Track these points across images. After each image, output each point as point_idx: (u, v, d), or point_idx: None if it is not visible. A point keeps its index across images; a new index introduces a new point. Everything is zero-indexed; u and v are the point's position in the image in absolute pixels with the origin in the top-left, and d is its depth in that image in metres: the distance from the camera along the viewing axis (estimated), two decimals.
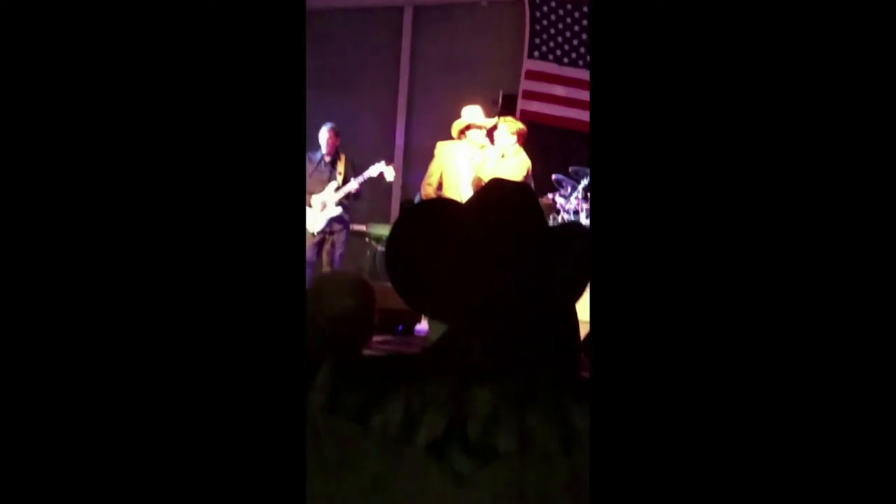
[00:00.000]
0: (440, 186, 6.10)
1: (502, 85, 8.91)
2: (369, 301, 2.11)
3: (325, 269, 6.95)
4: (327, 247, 7.07)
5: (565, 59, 8.86)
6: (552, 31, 8.90)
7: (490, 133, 6.10)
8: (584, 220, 6.97)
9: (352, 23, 9.75)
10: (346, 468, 1.15)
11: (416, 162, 8.54)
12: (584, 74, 8.54)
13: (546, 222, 1.28)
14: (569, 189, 7.41)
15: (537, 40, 8.93)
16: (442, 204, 1.27)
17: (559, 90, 8.80)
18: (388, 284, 1.24)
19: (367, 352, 2.23)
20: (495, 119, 6.23)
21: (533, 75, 8.93)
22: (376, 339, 2.31)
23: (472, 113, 6.13)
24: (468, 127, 6.07)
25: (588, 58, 8.25)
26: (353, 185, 6.93)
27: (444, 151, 6.17)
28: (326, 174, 7.03)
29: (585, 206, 7.18)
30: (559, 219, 7.28)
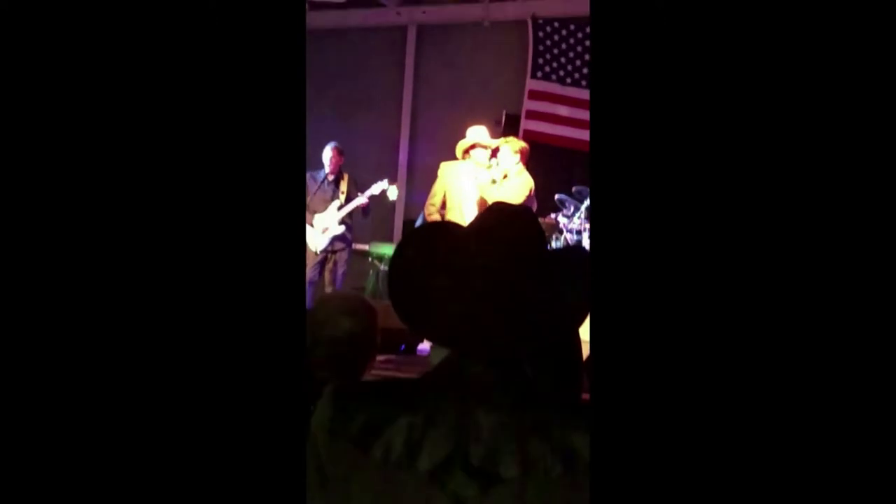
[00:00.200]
0: (443, 206, 6.10)
1: (505, 105, 8.93)
2: (372, 323, 2.10)
3: (328, 288, 6.95)
4: (329, 266, 7.07)
5: (568, 80, 8.88)
6: (555, 51, 8.92)
7: (493, 154, 6.10)
8: (587, 240, 6.96)
9: (355, 42, 9.78)
10: (347, 493, 1.15)
11: (419, 181, 8.55)
12: (587, 94, 8.55)
13: (547, 247, 1.28)
14: (571, 209, 7.41)
15: (540, 60, 8.95)
16: (444, 228, 1.27)
17: (562, 110, 8.81)
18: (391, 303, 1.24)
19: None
20: (499, 140, 6.23)
21: (536, 95, 8.94)
22: (378, 358, 2.30)
23: (477, 133, 6.14)
24: (473, 146, 6.08)
25: None
26: (362, 199, 6.95)
27: (447, 172, 6.17)
28: (330, 193, 7.04)
29: (588, 225, 7.17)
30: (562, 238, 7.28)
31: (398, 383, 1.22)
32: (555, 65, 8.92)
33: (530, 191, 6.01)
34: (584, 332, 1.24)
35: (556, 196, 7.52)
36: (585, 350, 1.68)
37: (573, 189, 7.52)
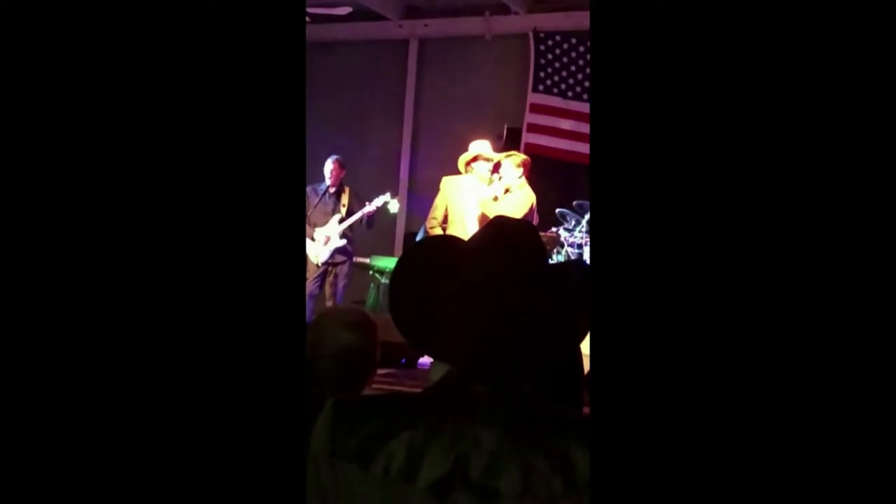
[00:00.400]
0: (445, 220, 6.10)
1: (507, 118, 8.94)
2: (372, 336, 2.10)
3: (328, 301, 6.95)
4: (330, 279, 7.08)
5: (569, 93, 8.90)
6: (556, 64, 8.94)
7: (495, 169, 6.11)
8: (588, 254, 6.96)
9: (357, 55, 9.81)
10: None
11: (421, 195, 8.55)
12: (589, 108, 8.55)
13: (548, 262, 1.28)
14: (573, 223, 7.41)
15: (542, 74, 8.97)
16: (445, 242, 1.27)
17: (564, 124, 8.82)
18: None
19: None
20: (501, 154, 6.24)
21: (537, 109, 8.96)
22: (379, 372, 2.30)
23: (479, 146, 6.15)
24: (475, 158, 6.08)
25: None
26: (369, 207, 6.96)
27: (449, 186, 6.18)
28: (331, 206, 7.06)
29: (589, 239, 7.17)
30: (563, 252, 7.28)
31: (399, 398, 1.22)
32: (556, 78, 8.94)
33: (532, 205, 6.02)
34: (585, 346, 1.23)
35: (558, 210, 7.53)
36: (586, 364, 1.68)
37: (574, 203, 7.53)
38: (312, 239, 6.92)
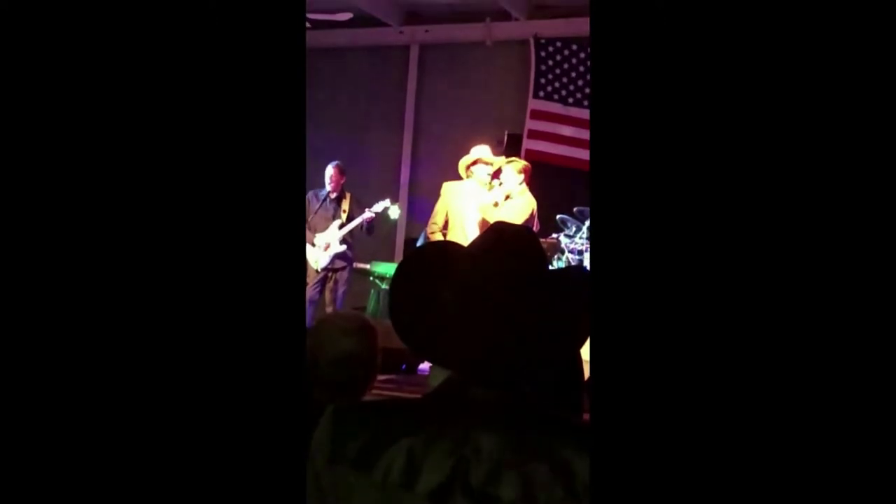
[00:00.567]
0: (445, 226, 6.10)
1: (507, 124, 8.95)
2: (372, 342, 2.10)
3: (328, 307, 6.95)
4: (330, 285, 7.08)
5: (570, 100, 8.91)
6: (557, 71, 8.95)
7: (496, 175, 6.11)
8: (589, 261, 6.97)
9: (358, 61, 9.82)
10: None
11: (421, 200, 8.56)
12: (589, 114, 8.54)
13: (548, 267, 1.28)
14: (573, 229, 7.42)
15: (542, 80, 8.98)
16: (445, 248, 1.26)
17: (564, 130, 8.84)
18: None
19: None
20: (502, 159, 6.24)
21: (538, 115, 8.97)
22: (379, 378, 2.30)
23: (480, 150, 6.16)
24: (475, 162, 6.09)
25: None
26: (369, 213, 6.97)
27: (449, 191, 6.18)
28: (331, 211, 7.06)
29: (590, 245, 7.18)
30: (564, 258, 7.28)
31: (399, 404, 1.22)
32: (557, 84, 8.95)
33: (532, 211, 6.02)
34: (585, 352, 1.23)
35: (558, 216, 7.54)
36: (586, 370, 1.68)
37: (575, 209, 7.53)
38: (313, 244, 6.92)
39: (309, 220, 6.91)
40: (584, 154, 8.54)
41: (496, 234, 1.25)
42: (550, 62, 8.97)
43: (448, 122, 9.21)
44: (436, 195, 6.32)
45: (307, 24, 6.95)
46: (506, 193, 6.00)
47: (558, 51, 8.93)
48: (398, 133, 9.71)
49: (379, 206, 7.02)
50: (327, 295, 7.08)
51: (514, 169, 6.04)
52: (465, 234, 5.93)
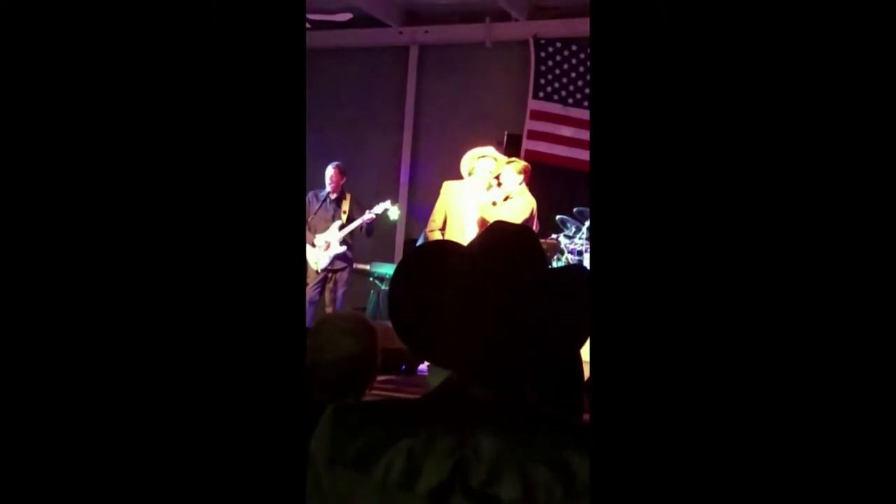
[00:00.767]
0: (445, 226, 6.10)
1: (507, 125, 8.95)
2: (372, 343, 2.10)
3: (328, 308, 6.95)
4: (330, 285, 7.08)
5: (570, 100, 8.91)
6: (557, 71, 8.95)
7: (496, 177, 6.11)
8: (588, 261, 6.97)
9: (358, 62, 9.82)
10: None
11: (421, 201, 8.56)
12: (589, 115, 8.55)
13: (547, 267, 1.27)
14: (573, 229, 7.42)
15: (542, 81, 8.98)
16: (444, 248, 1.26)
17: (564, 131, 8.84)
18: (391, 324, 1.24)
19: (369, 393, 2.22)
20: (505, 158, 6.24)
21: (538, 115, 8.97)
22: (379, 378, 2.30)
23: (488, 149, 6.14)
24: (482, 156, 6.06)
25: None
26: (370, 214, 6.97)
27: (449, 191, 6.17)
28: (331, 212, 7.06)
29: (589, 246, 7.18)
30: (563, 259, 7.28)
31: (398, 404, 1.22)
32: (556, 85, 8.95)
33: (532, 211, 6.02)
34: (585, 352, 1.23)
35: (558, 217, 7.54)
36: (586, 371, 1.67)
37: (574, 210, 7.54)
38: (313, 245, 6.92)
39: (309, 220, 6.91)
40: (583, 154, 8.54)
41: (495, 234, 1.25)
42: (550, 63, 8.97)
43: (448, 123, 9.21)
44: (435, 195, 6.31)
45: (307, 25, 6.96)
46: (505, 194, 6.00)
47: (558, 51, 8.93)
48: (398, 133, 9.71)
49: (379, 208, 7.02)
50: (327, 295, 7.08)
51: (513, 169, 6.04)
52: (463, 233, 5.92)
